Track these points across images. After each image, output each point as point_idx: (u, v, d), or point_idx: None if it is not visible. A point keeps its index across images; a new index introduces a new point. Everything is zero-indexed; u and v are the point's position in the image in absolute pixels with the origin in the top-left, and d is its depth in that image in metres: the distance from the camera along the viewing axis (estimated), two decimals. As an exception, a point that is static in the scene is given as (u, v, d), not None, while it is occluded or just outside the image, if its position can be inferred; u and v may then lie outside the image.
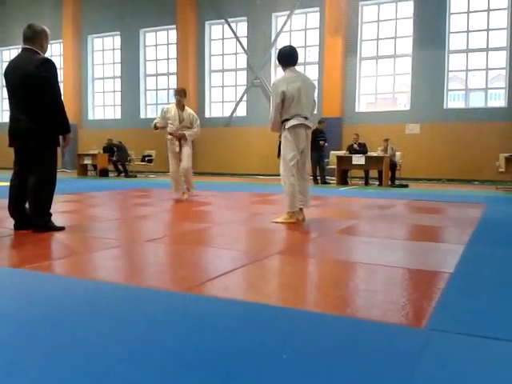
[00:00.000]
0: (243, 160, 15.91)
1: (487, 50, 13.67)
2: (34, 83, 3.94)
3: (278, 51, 4.94)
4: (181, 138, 7.02)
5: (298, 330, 1.83)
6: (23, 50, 4.13)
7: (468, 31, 13.81)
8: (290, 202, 4.73)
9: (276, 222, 4.72)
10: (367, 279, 2.68)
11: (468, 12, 13.78)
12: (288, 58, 4.80)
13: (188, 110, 7.20)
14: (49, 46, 4.28)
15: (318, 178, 12.09)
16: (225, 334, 1.76)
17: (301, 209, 4.84)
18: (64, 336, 1.73)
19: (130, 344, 1.66)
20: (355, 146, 12.12)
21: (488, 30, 13.60)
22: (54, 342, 1.67)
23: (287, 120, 4.71)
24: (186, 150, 7.08)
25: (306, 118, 4.73)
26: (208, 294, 2.33)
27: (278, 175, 4.93)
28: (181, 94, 7.07)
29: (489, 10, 13.55)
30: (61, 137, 4.20)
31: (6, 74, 4.13)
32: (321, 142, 11.73)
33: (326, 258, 3.32)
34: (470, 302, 2.24)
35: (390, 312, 2.06)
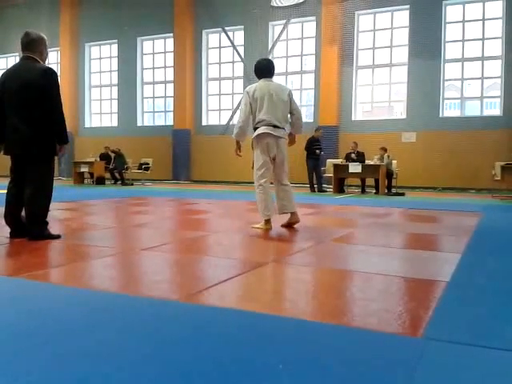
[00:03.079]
0: (240, 168, 15.89)
1: (482, 58, 13.77)
2: (36, 92, 3.92)
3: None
4: None
5: (293, 340, 1.82)
6: (23, 58, 4.09)
7: (463, 40, 13.92)
8: (259, 209, 4.83)
9: (254, 228, 4.85)
10: (363, 288, 2.68)
11: (463, 21, 13.90)
12: (257, 71, 4.94)
13: None
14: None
15: (315, 186, 12.09)
16: (221, 344, 1.76)
17: (292, 213, 4.91)
18: (60, 345, 1.72)
19: (126, 353, 1.65)
20: (353, 155, 12.05)
21: (483, 39, 13.71)
22: (49, 351, 1.66)
23: (256, 128, 4.82)
24: None
25: (275, 127, 4.75)
26: (204, 302, 2.32)
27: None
28: None
29: (484, 20, 13.67)
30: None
31: (4, 82, 4.08)
32: (316, 151, 11.76)
33: (323, 266, 3.31)
34: (466, 310, 2.24)
35: (386, 321, 2.05)
